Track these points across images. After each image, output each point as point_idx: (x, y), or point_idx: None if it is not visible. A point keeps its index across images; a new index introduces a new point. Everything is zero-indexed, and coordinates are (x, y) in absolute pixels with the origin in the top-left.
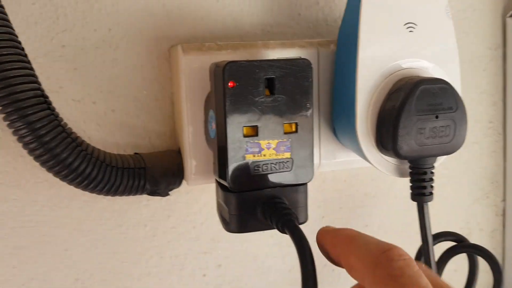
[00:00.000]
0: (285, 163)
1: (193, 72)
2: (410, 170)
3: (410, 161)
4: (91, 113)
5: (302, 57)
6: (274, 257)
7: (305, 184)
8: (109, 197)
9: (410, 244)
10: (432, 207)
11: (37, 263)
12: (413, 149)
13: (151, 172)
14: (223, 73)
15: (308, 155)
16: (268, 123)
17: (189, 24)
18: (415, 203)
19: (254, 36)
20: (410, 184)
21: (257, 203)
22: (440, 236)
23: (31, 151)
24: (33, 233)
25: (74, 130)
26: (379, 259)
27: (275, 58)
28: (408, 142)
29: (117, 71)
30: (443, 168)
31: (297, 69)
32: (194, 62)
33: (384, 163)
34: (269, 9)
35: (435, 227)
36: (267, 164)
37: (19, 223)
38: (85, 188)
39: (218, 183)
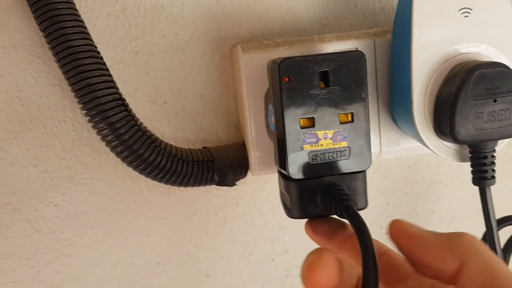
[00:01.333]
0: (343, 151)
1: (253, 70)
2: (471, 155)
3: (469, 146)
4: (163, 112)
5: (358, 48)
6: None
7: (363, 172)
8: (182, 188)
9: (480, 230)
10: (498, 191)
11: (122, 248)
12: (471, 133)
13: (218, 164)
14: (278, 69)
15: (365, 143)
16: (324, 114)
17: (248, 24)
18: None
19: (312, 30)
20: (471, 169)
21: (317, 190)
22: (506, 221)
23: (113, 148)
24: (118, 222)
25: (148, 128)
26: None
27: (330, 51)
28: (466, 127)
29: (184, 72)
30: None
31: (351, 61)
32: (253, 60)
33: (443, 148)
34: (325, 3)
35: (500, 212)
36: (325, 153)
37: (106, 213)
38: (160, 180)
39: (280, 173)
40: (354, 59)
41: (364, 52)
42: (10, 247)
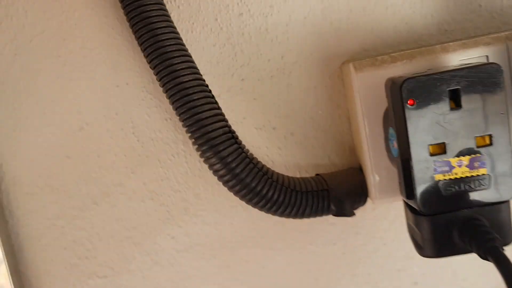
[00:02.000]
0: (482, 180)
1: (368, 89)
2: None
3: None
4: (272, 138)
5: (488, 56)
6: (475, 273)
7: (507, 202)
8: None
9: None
10: None
11: (238, 281)
12: None
13: (334, 193)
14: (400, 91)
15: (508, 169)
16: (457, 138)
17: (358, 38)
18: None
19: (430, 38)
20: None
21: (453, 226)
22: None
23: (225, 183)
24: (233, 253)
25: (258, 155)
26: None
27: (456, 61)
28: None
29: (292, 95)
30: None
31: (485, 76)
32: (368, 79)
33: None
34: (444, 6)
35: None
36: (460, 183)
37: (221, 244)
38: (274, 213)
39: (406, 204)
40: (488, 73)
41: (496, 60)
42: (133, 280)
